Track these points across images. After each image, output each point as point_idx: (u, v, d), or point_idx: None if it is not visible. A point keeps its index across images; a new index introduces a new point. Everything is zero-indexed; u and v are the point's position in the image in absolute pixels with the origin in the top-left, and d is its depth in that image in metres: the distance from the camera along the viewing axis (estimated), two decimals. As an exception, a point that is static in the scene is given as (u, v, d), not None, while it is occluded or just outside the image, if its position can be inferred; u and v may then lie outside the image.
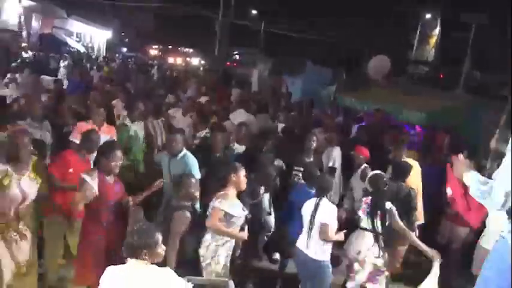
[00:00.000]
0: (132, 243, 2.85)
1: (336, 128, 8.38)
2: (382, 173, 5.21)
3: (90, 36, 32.31)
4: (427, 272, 4.38)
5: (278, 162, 6.21)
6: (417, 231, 5.48)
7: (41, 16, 22.66)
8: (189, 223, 4.18)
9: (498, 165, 2.91)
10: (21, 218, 3.92)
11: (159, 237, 2.92)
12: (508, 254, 2.71)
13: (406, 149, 6.63)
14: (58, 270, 4.78)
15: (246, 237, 4.28)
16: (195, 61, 46.04)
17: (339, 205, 6.23)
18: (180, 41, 45.84)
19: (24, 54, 16.15)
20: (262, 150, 6.31)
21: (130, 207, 4.29)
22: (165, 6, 32.61)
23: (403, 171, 5.56)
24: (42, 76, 11.81)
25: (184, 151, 5.33)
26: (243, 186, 4.38)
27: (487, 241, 4.98)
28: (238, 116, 8.34)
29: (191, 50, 48.62)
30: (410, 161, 6.27)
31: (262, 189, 5.29)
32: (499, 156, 3.25)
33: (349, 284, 4.90)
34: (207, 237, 4.15)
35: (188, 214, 4.16)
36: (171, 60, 42.62)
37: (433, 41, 32.30)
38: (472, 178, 3.10)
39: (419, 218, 5.81)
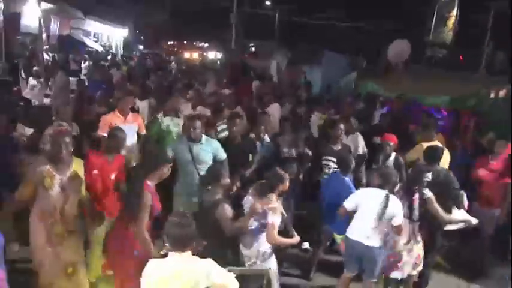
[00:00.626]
0: (180, 236, 2.86)
1: (357, 115, 8.36)
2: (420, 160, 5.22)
3: (107, 35, 32.55)
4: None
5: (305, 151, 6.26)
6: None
7: (59, 18, 22.86)
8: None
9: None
10: (66, 218, 3.99)
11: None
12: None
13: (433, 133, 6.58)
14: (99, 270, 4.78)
15: (298, 240, 4.37)
16: (211, 55, 46.13)
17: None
18: (196, 36, 45.91)
19: (46, 57, 16.38)
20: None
21: None
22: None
23: (437, 154, 5.52)
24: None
25: (204, 136, 5.35)
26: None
27: None
28: (275, 109, 8.39)
29: (206, 45, 48.66)
30: (439, 144, 6.25)
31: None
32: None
33: (395, 274, 4.92)
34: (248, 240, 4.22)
35: (228, 206, 4.19)
36: (187, 55, 42.81)
37: (450, 22, 31.58)
38: None
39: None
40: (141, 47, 38.93)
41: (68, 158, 4.03)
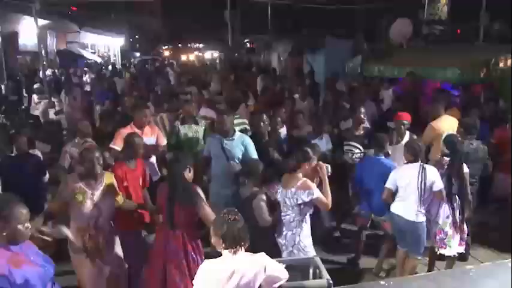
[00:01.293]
0: (238, 233, 2.84)
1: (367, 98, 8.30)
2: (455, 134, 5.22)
3: (103, 45, 32.63)
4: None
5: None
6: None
7: (55, 33, 22.94)
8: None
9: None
10: (102, 232, 4.03)
11: None
12: None
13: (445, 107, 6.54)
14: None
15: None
16: (208, 55, 46.16)
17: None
18: (191, 38, 45.99)
19: (47, 73, 16.44)
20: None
21: None
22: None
23: (473, 127, 5.54)
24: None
25: (237, 131, 5.35)
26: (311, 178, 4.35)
27: None
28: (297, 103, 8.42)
29: (201, 45, 48.71)
30: (451, 118, 6.23)
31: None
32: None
33: (447, 251, 4.95)
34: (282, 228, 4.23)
35: (264, 198, 4.19)
36: (184, 57, 42.82)
37: (443, -3, 31.36)
38: None
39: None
40: (137, 54, 38.96)
41: (98, 173, 4.08)
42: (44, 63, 15.74)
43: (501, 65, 8.27)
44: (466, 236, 5.04)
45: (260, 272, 2.82)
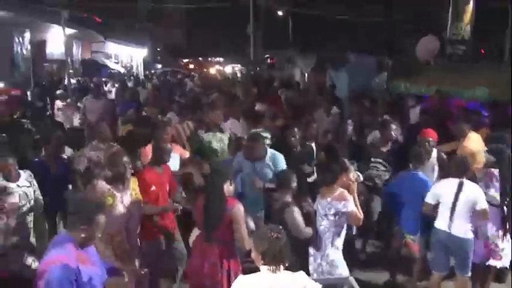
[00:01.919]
0: (279, 251, 2.75)
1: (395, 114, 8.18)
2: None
3: (127, 56, 33.09)
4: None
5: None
6: None
7: (81, 42, 23.36)
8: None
9: None
10: (132, 236, 4.00)
11: None
12: None
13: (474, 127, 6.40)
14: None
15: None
16: (228, 69, 46.44)
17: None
18: (213, 51, 46.38)
19: (72, 81, 16.72)
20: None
21: None
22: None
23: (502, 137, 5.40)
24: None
25: (269, 150, 5.18)
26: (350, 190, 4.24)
27: None
28: (319, 117, 8.38)
29: (222, 59, 49.04)
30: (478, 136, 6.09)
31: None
32: None
33: (493, 262, 4.83)
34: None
35: (297, 209, 4.11)
36: (205, 70, 43.11)
37: (467, 17, 30.97)
38: None
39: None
40: (159, 65, 39.39)
41: (127, 177, 4.08)
42: (70, 71, 16.03)
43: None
44: None
45: None
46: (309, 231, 4.11)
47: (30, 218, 4.44)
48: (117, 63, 29.80)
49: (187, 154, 6.02)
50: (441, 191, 4.70)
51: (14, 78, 15.27)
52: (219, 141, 6.24)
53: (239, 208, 3.80)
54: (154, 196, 4.49)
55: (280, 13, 34.16)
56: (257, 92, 13.20)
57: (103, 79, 20.43)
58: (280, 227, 2.94)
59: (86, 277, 2.73)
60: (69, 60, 16.49)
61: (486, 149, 5.22)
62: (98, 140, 5.86)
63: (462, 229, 4.55)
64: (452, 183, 4.63)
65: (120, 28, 29.21)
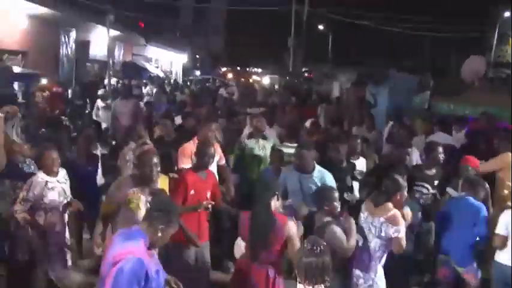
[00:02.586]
0: (315, 265, 2.59)
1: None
2: None
3: (167, 61, 33.56)
4: None
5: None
6: None
7: (123, 44, 23.79)
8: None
9: None
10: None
11: None
12: None
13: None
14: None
15: None
16: (266, 79, 46.52)
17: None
18: (252, 62, 46.69)
19: (112, 82, 16.99)
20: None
21: None
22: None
23: None
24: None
25: (317, 167, 4.92)
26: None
27: None
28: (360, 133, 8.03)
29: (260, 70, 49.23)
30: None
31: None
32: None
33: None
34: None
35: (337, 227, 3.88)
36: (242, 79, 43.37)
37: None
38: None
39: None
40: (198, 72, 39.83)
41: (156, 177, 3.90)
42: (110, 72, 16.28)
43: None
44: None
45: None
46: (352, 245, 3.84)
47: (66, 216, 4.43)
48: (157, 67, 30.24)
49: (223, 160, 5.87)
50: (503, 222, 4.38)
51: (58, 76, 15.62)
52: (261, 148, 6.09)
53: (293, 225, 3.60)
54: (191, 201, 4.30)
55: (320, 27, 34.14)
56: (295, 103, 13.10)
57: (143, 81, 20.74)
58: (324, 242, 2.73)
59: (155, 273, 2.79)
60: (110, 61, 16.78)
61: None
62: (134, 139, 5.76)
63: None
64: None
65: (162, 33, 29.69)
